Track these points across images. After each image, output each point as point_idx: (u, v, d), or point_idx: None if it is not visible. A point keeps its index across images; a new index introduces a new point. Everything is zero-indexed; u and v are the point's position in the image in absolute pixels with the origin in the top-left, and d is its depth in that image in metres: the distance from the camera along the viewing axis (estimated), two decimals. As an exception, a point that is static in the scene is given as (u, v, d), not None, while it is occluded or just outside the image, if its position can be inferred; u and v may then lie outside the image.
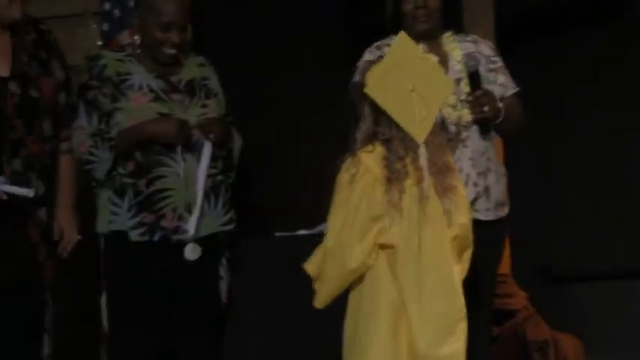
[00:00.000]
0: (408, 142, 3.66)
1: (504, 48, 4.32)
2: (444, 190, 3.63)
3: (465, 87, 4.05)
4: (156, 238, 4.26)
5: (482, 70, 4.08)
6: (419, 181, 3.63)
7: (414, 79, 3.65)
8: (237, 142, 4.45)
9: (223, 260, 4.50)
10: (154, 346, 4.28)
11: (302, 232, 4.86)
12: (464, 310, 3.58)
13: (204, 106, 4.38)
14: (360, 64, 4.09)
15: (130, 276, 4.30)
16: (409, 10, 4.09)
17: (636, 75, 5.46)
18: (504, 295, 4.88)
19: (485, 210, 4.04)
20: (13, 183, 4.16)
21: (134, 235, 4.26)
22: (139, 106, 4.30)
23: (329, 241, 3.66)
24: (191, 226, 4.25)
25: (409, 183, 3.63)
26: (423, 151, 3.62)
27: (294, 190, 5.42)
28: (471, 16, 4.49)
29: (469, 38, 4.17)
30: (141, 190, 4.26)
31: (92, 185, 4.41)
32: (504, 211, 4.12)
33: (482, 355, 3.68)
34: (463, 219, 3.66)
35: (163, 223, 4.26)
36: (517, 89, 4.17)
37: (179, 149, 4.26)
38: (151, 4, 4.31)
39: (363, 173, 3.65)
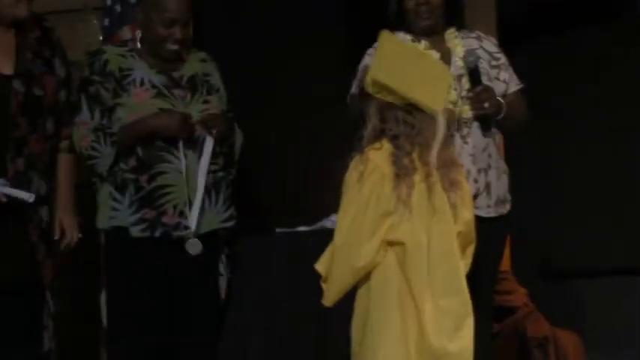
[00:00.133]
0: (415, 138, 3.67)
1: (505, 47, 4.32)
2: (450, 185, 3.65)
3: (465, 83, 4.05)
4: (157, 234, 4.26)
5: (485, 66, 4.08)
6: (427, 176, 3.64)
7: (412, 65, 3.69)
8: (238, 138, 4.46)
9: (223, 257, 4.50)
10: (154, 343, 4.28)
11: (302, 228, 4.87)
12: (470, 306, 3.60)
13: (205, 102, 4.38)
14: (360, 68, 4.10)
15: (131, 272, 4.30)
16: (411, 6, 4.10)
17: (637, 75, 5.46)
18: (504, 292, 4.88)
19: (486, 207, 4.03)
20: (14, 184, 4.16)
21: (135, 231, 4.26)
22: (140, 101, 4.30)
23: (338, 239, 3.67)
24: (192, 221, 4.25)
25: (417, 178, 3.64)
26: (441, 121, 3.63)
27: (294, 187, 5.42)
28: (472, 15, 4.49)
29: (473, 34, 4.18)
30: (142, 186, 4.26)
31: (92, 181, 4.41)
32: (506, 208, 4.11)
33: (484, 351, 3.68)
34: (467, 215, 3.67)
35: (164, 219, 4.26)
36: (520, 86, 4.17)
37: (181, 145, 4.26)
38: (155, 1, 4.31)
39: (371, 170, 3.66)
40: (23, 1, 4.20)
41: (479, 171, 4.04)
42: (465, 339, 3.56)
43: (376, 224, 3.61)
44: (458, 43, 4.12)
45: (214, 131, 4.28)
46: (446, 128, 3.71)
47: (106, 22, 5.10)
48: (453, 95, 4.01)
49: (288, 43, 5.52)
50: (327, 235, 4.24)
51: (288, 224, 4.91)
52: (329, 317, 4.35)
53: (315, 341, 4.54)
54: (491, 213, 4.05)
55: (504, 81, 4.13)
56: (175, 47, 4.34)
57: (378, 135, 3.72)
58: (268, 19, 5.53)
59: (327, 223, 4.82)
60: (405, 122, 3.68)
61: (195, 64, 4.45)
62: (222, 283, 4.50)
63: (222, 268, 4.49)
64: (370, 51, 4.12)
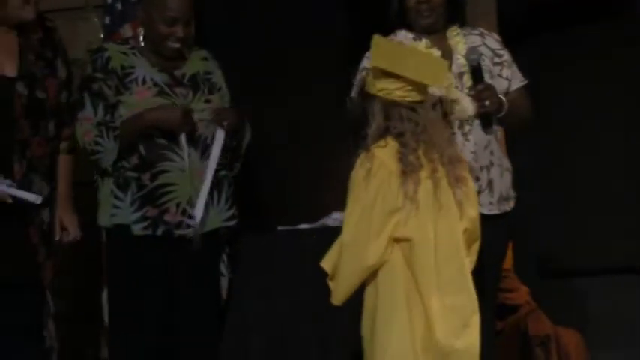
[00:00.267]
0: (420, 135, 3.68)
1: (505, 45, 4.31)
2: (456, 181, 3.66)
3: (467, 81, 4.05)
4: (159, 232, 4.26)
5: (487, 63, 4.08)
6: (433, 172, 3.65)
7: (408, 56, 3.71)
8: (247, 134, 4.45)
9: (224, 256, 4.50)
10: (155, 341, 4.28)
11: (304, 226, 4.86)
12: (476, 303, 3.60)
13: (207, 101, 4.38)
14: (359, 70, 4.10)
15: (132, 270, 4.30)
16: (412, 5, 4.10)
17: (638, 74, 5.46)
18: (506, 290, 4.87)
19: (488, 204, 4.03)
20: (20, 186, 4.16)
21: (137, 229, 4.26)
22: (142, 100, 4.29)
23: (346, 238, 3.66)
24: (197, 212, 4.24)
25: (423, 175, 3.65)
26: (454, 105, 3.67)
27: (295, 185, 5.42)
28: (473, 13, 4.49)
29: (475, 31, 4.18)
30: (145, 184, 4.25)
31: (93, 179, 4.41)
32: (509, 206, 4.10)
33: (489, 348, 3.68)
34: (472, 212, 3.68)
35: (167, 217, 4.26)
36: (524, 82, 4.17)
37: (184, 142, 4.25)
38: None
39: (378, 168, 3.66)
40: (31, 3, 4.20)
41: (481, 168, 4.04)
42: (471, 336, 3.57)
43: (383, 221, 3.61)
44: (460, 40, 4.12)
45: (225, 124, 4.28)
46: (447, 129, 3.73)
47: (107, 20, 5.09)
48: (455, 93, 4.00)
49: (289, 43, 5.52)
50: (329, 233, 4.24)
51: (289, 222, 4.90)
52: (331, 316, 4.36)
53: (316, 340, 4.53)
54: (493, 210, 4.05)
55: (507, 78, 4.12)
56: (177, 46, 4.34)
57: (383, 133, 3.72)
58: (269, 18, 5.54)
59: (328, 221, 4.83)
60: (410, 119, 3.69)
61: (197, 62, 4.45)
62: (224, 283, 4.50)
63: (223, 268, 4.49)
64: (369, 54, 4.12)
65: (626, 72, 5.48)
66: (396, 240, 3.63)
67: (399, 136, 3.69)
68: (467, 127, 4.04)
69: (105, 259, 4.59)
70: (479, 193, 4.00)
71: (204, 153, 4.31)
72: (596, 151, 5.53)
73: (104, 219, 4.35)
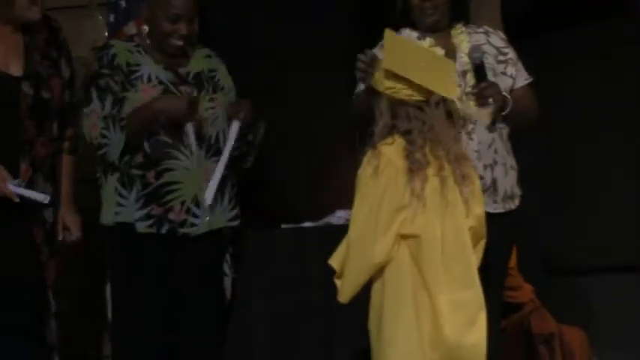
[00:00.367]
0: (427, 133, 3.69)
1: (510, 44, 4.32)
2: (462, 179, 3.66)
3: (470, 79, 4.05)
4: (163, 230, 4.27)
5: (491, 61, 4.08)
6: (439, 169, 3.65)
7: (419, 58, 3.71)
8: (261, 127, 4.45)
9: (227, 256, 4.50)
10: (158, 341, 4.28)
11: (308, 224, 4.86)
12: (483, 299, 3.60)
13: (211, 99, 4.38)
14: None
15: (136, 268, 4.30)
16: (416, 3, 4.10)
17: (638, 74, 5.45)
18: (510, 288, 4.84)
19: (493, 203, 4.03)
20: (26, 186, 4.17)
21: (141, 227, 4.26)
22: (147, 97, 4.29)
23: (352, 235, 3.65)
24: (209, 194, 4.24)
25: (430, 172, 3.65)
26: (456, 106, 3.66)
27: (299, 183, 5.42)
28: (477, 11, 4.49)
29: (480, 29, 4.18)
30: (150, 182, 4.26)
31: (96, 177, 4.41)
32: (514, 204, 4.10)
33: (494, 346, 3.68)
34: (478, 209, 3.68)
35: (171, 215, 4.26)
36: (529, 80, 4.16)
37: (190, 132, 4.25)
38: None
39: (385, 165, 3.66)
40: (37, 3, 4.20)
41: (485, 167, 4.04)
42: (478, 332, 3.57)
43: (390, 219, 3.61)
44: (464, 39, 4.12)
45: (242, 115, 4.28)
46: (452, 128, 3.73)
47: (112, 17, 5.10)
48: (458, 91, 4.00)
49: (291, 42, 5.52)
50: (333, 231, 4.26)
51: (293, 220, 4.90)
52: (336, 315, 4.36)
53: (321, 338, 4.52)
54: (498, 209, 4.04)
55: (511, 76, 4.12)
56: (180, 43, 4.34)
57: (390, 131, 3.72)
58: (272, 16, 5.53)
59: (332, 219, 4.83)
60: (417, 118, 3.70)
61: (201, 60, 4.46)
62: (227, 283, 4.50)
63: (226, 268, 4.50)
64: (375, 49, 4.12)
65: (626, 72, 5.48)
66: (403, 237, 3.63)
67: (406, 134, 3.70)
68: (470, 126, 4.03)
69: (108, 256, 4.59)
70: (483, 191, 4.00)
71: (209, 151, 4.32)
72: (601, 147, 5.53)
73: (107, 217, 4.34)
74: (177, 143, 4.26)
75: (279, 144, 5.41)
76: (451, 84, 3.73)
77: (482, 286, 3.64)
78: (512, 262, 4.93)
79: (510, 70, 4.12)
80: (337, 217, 4.79)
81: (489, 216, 3.85)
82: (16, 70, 4.24)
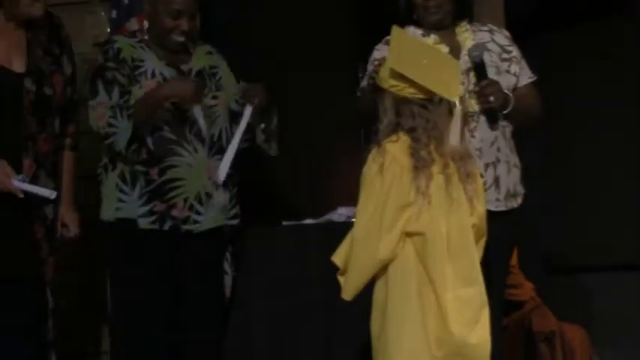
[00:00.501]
0: (431, 130, 3.68)
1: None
2: (467, 177, 3.66)
3: (473, 77, 4.05)
4: (166, 227, 4.26)
5: (494, 59, 4.08)
6: (444, 167, 3.65)
7: (426, 57, 3.71)
8: (274, 114, 4.45)
9: (227, 255, 4.50)
10: (162, 338, 4.28)
11: (309, 221, 4.86)
12: (485, 297, 3.60)
13: (214, 97, 4.38)
14: (370, 61, 4.09)
15: (138, 264, 4.29)
16: (420, 2, 4.10)
17: (638, 74, 5.46)
18: (511, 286, 4.85)
19: (495, 200, 4.03)
20: (30, 182, 4.17)
21: (144, 223, 4.25)
22: (151, 94, 4.30)
23: (357, 232, 3.64)
24: (222, 170, 4.25)
25: (435, 170, 3.65)
26: (458, 110, 3.65)
27: (300, 180, 5.42)
28: (480, 10, 4.49)
29: (485, 28, 4.18)
30: (153, 178, 4.25)
31: (97, 173, 4.40)
32: (517, 202, 4.10)
33: (495, 345, 3.68)
34: (481, 208, 3.68)
35: (174, 212, 4.26)
36: (533, 79, 4.16)
37: (196, 114, 4.25)
38: None
39: (390, 163, 3.65)
40: (40, 0, 4.20)
41: (487, 165, 4.04)
42: (483, 330, 3.57)
43: (396, 216, 3.60)
44: (468, 37, 4.12)
45: (256, 101, 4.28)
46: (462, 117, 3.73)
47: (114, 14, 5.09)
48: (461, 89, 4.00)
49: (292, 40, 5.52)
50: (334, 228, 4.26)
51: (295, 217, 4.91)
52: (337, 313, 4.36)
53: (320, 337, 4.52)
54: (500, 207, 4.04)
55: (514, 74, 4.12)
56: (181, 39, 4.34)
57: (394, 128, 3.72)
58: (274, 13, 5.54)
59: (333, 216, 4.83)
60: (421, 116, 3.69)
61: (202, 57, 4.46)
62: (228, 281, 4.49)
63: (227, 266, 4.49)
64: (379, 46, 4.12)
65: (626, 72, 5.49)
66: (408, 234, 3.62)
67: (410, 131, 3.69)
68: (472, 124, 4.04)
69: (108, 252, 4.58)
70: (485, 189, 4.00)
71: (212, 149, 4.32)
72: (602, 146, 5.54)
73: (108, 212, 4.33)
74: (180, 140, 4.26)
75: (280, 140, 5.42)
76: (455, 85, 3.72)
77: (485, 283, 3.64)
78: (514, 260, 4.95)
79: (514, 68, 4.12)
80: (338, 214, 4.79)
81: (492, 214, 3.85)
82: (18, 66, 4.23)
